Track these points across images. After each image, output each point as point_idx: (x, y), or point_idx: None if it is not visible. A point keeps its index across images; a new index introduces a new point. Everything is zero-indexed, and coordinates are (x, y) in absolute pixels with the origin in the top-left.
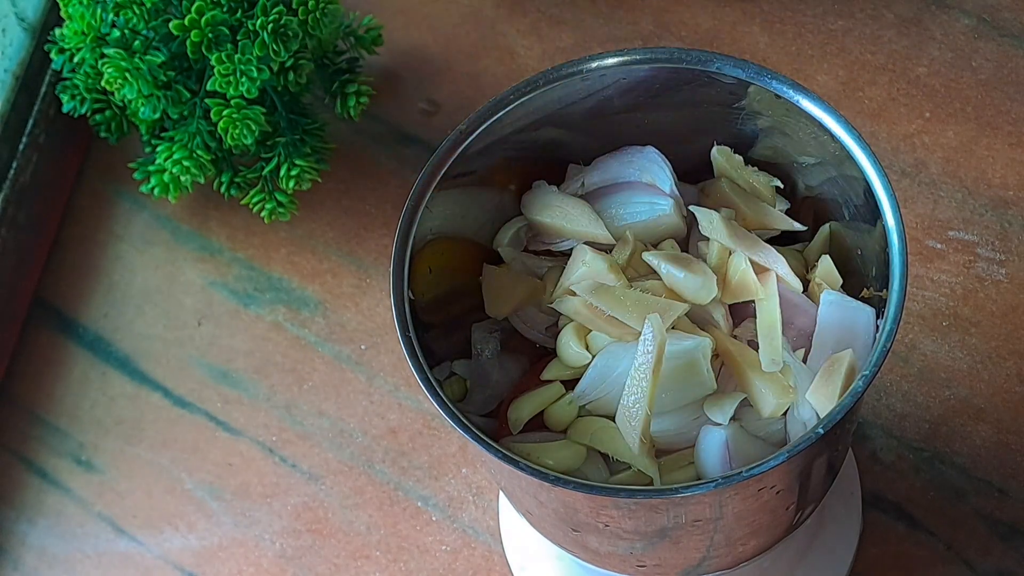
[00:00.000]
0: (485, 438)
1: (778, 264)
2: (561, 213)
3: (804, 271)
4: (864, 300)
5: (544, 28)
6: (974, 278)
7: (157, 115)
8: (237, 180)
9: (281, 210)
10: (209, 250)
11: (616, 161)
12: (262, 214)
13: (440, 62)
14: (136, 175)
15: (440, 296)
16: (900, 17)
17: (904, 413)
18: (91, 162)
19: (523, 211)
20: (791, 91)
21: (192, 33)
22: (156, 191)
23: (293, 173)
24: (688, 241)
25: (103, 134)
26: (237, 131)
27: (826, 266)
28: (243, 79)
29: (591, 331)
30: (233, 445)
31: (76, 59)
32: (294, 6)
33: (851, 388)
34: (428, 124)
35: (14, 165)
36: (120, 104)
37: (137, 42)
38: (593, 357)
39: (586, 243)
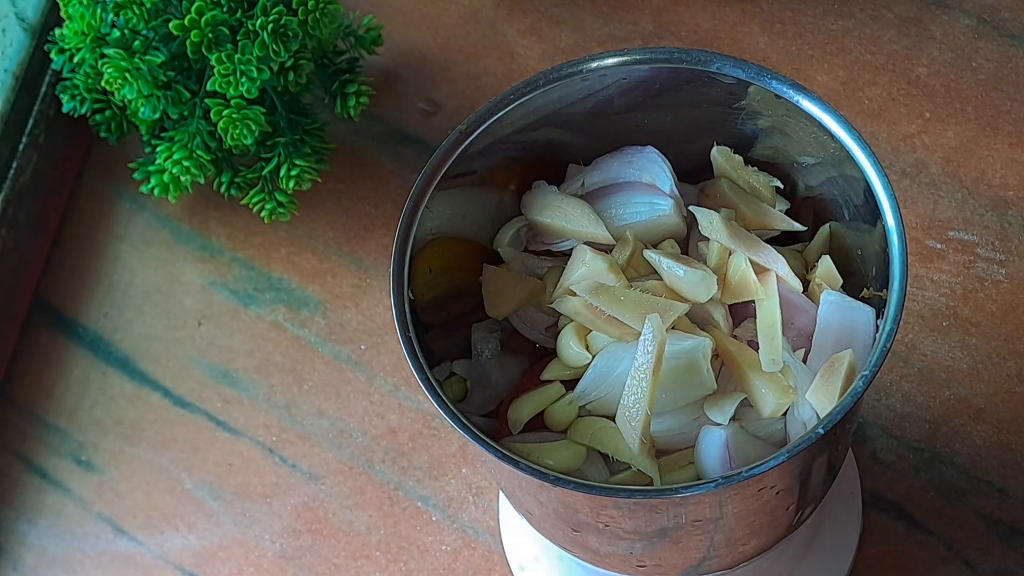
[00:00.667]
0: (485, 438)
1: (778, 264)
2: (561, 213)
3: (804, 271)
4: (864, 300)
5: (544, 28)
6: (974, 278)
7: (157, 115)
8: (237, 180)
9: (281, 210)
10: (209, 250)
11: (616, 161)
12: (262, 214)
13: (440, 62)
14: (136, 175)
15: (440, 296)
16: (900, 17)
17: (904, 413)
18: (91, 162)
19: (523, 211)
20: (791, 91)
21: (192, 33)
22: (156, 191)
23: (293, 173)
24: (688, 241)
25: (103, 134)
26: (237, 131)
27: (826, 266)
28: (243, 79)
29: (591, 331)
30: (233, 445)
31: (76, 59)
32: (294, 6)
33: (851, 388)
34: (428, 124)
35: (14, 165)
36: (120, 104)
37: (137, 42)
38: (593, 357)
39: (586, 243)
